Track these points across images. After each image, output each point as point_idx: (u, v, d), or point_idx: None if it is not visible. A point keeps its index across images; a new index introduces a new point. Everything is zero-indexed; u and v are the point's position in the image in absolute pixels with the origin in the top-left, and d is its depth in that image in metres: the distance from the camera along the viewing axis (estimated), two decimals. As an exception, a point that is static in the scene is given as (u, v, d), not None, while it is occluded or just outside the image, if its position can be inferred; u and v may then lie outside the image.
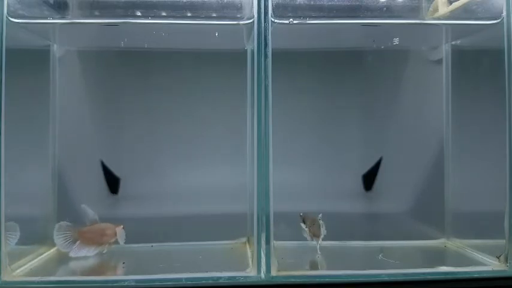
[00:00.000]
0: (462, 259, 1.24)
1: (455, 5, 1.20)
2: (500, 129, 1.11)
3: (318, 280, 1.04)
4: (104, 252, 1.22)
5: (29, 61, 1.25)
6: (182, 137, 1.44)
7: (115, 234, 1.21)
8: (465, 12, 1.21)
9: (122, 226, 1.22)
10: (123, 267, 1.15)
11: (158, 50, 1.40)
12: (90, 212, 1.22)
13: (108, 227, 1.22)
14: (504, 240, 1.10)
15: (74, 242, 1.21)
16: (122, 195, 1.43)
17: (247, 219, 1.33)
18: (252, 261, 1.08)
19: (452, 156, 1.40)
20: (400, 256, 1.25)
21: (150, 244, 1.33)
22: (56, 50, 1.36)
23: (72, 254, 1.20)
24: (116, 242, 1.22)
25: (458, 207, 1.38)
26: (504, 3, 1.11)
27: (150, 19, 1.19)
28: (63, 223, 1.21)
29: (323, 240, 1.22)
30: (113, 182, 1.42)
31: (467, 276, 1.07)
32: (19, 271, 1.09)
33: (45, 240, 1.30)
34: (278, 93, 1.09)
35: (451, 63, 1.40)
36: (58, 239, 1.21)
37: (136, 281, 1.02)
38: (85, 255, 1.20)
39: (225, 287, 1.04)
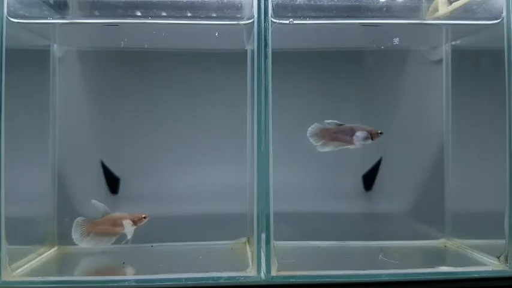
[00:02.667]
0: (462, 259, 1.24)
1: (455, 5, 1.20)
2: (500, 129, 1.11)
3: (318, 280, 1.04)
4: (126, 244, 1.21)
5: (29, 61, 1.25)
6: (182, 137, 1.44)
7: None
8: (465, 12, 1.21)
9: (143, 215, 1.22)
10: (123, 267, 1.15)
11: (158, 50, 1.40)
12: (100, 205, 1.22)
13: (121, 217, 1.22)
14: (504, 240, 1.10)
15: (88, 234, 1.20)
16: (121, 195, 1.43)
17: (247, 219, 1.33)
18: (252, 261, 1.08)
19: (452, 156, 1.40)
20: (400, 256, 1.25)
21: (150, 244, 1.33)
22: (56, 50, 1.36)
23: (83, 245, 1.20)
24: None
25: (458, 207, 1.38)
26: (504, 3, 1.11)
27: (150, 19, 1.19)
28: (79, 219, 1.20)
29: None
30: (113, 182, 1.42)
31: (467, 276, 1.07)
32: (19, 271, 1.09)
33: (45, 240, 1.30)
34: (278, 93, 1.09)
35: (451, 63, 1.40)
36: (75, 234, 1.20)
37: (137, 281, 1.02)
38: (97, 246, 1.20)
39: (225, 287, 1.04)
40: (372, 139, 1.23)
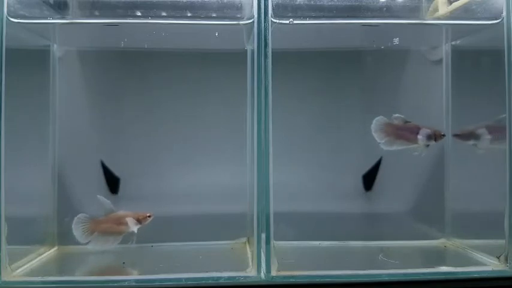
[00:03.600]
0: (462, 259, 1.24)
1: (455, 5, 1.20)
2: (500, 129, 1.11)
3: (318, 280, 1.04)
4: (131, 244, 1.20)
5: (29, 61, 1.25)
6: (182, 137, 1.44)
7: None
8: (465, 12, 1.21)
9: (148, 214, 1.21)
10: (123, 267, 1.15)
11: (158, 50, 1.40)
12: (106, 202, 1.20)
13: (125, 215, 1.20)
14: (504, 240, 1.10)
15: (92, 233, 1.19)
16: (121, 195, 1.43)
17: (247, 219, 1.33)
18: (252, 261, 1.08)
19: (452, 156, 1.40)
20: (400, 256, 1.25)
21: (150, 244, 1.33)
22: (56, 50, 1.36)
23: (89, 246, 1.19)
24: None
25: (458, 207, 1.38)
26: (504, 3, 1.11)
27: (150, 19, 1.19)
28: (81, 215, 1.19)
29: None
30: (112, 182, 1.42)
31: (467, 276, 1.07)
32: (19, 271, 1.09)
33: (45, 240, 1.30)
34: (278, 93, 1.09)
35: (451, 63, 1.40)
36: (76, 230, 1.18)
37: (137, 281, 1.02)
38: (103, 247, 1.19)
39: (225, 287, 1.04)
40: (435, 140, 1.20)
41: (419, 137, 1.19)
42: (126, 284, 1.02)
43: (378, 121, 1.20)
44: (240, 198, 1.30)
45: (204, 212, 1.39)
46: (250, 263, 1.11)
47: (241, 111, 1.28)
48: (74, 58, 1.39)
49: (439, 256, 1.31)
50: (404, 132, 1.20)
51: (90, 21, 1.22)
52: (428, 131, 1.19)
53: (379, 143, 1.20)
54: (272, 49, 1.07)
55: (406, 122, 1.20)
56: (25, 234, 1.20)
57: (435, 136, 1.20)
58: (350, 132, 1.47)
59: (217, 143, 1.42)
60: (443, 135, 1.21)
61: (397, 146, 1.20)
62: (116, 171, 1.42)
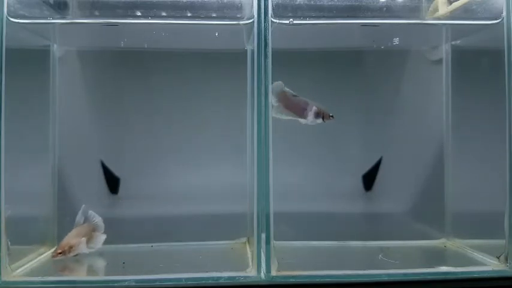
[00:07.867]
0: (462, 259, 1.24)
1: (455, 5, 1.21)
2: (500, 129, 1.11)
3: (318, 280, 1.04)
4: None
5: (29, 61, 1.25)
6: (182, 137, 1.44)
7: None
8: (465, 12, 1.21)
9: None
10: (123, 267, 1.15)
11: (158, 50, 1.40)
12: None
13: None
14: (504, 240, 1.10)
15: None
16: (121, 195, 1.43)
17: (247, 219, 1.33)
18: (252, 261, 1.08)
19: (452, 156, 1.40)
20: (400, 256, 1.25)
21: (150, 244, 1.33)
22: (56, 50, 1.36)
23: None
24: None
25: (458, 207, 1.38)
26: (504, 3, 1.11)
27: (150, 19, 1.19)
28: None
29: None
30: (112, 182, 1.42)
31: (467, 276, 1.07)
32: (19, 271, 1.09)
33: (45, 240, 1.30)
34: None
35: (451, 63, 1.40)
36: None
37: (136, 281, 1.02)
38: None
39: (225, 287, 1.04)
40: (323, 120, 1.17)
41: (307, 112, 1.16)
42: (126, 284, 1.02)
43: (275, 86, 1.14)
44: (240, 198, 1.30)
45: (204, 212, 1.39)
46: (250, 263, 1.11)
47: (241, 111, 1.28)
48: (74, 58, 1.40)
49: (439, 256, 1.31)
50: (294, 105, 1.17)
51: (90, 21, 1.22)
52: (315, 108, 1.16)
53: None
54: (272, 49, 1.07)
55: (294, 95, 1.17)
56: (25, 234, 1.20)
57: (323, 115, 1.17)
58: (350, 132, 1.47)
59: (218, 143, 1.42)
60: (332, 116, 1.17)
61: (285, 116, 1.17)
62: (116, 171, 1.42)
